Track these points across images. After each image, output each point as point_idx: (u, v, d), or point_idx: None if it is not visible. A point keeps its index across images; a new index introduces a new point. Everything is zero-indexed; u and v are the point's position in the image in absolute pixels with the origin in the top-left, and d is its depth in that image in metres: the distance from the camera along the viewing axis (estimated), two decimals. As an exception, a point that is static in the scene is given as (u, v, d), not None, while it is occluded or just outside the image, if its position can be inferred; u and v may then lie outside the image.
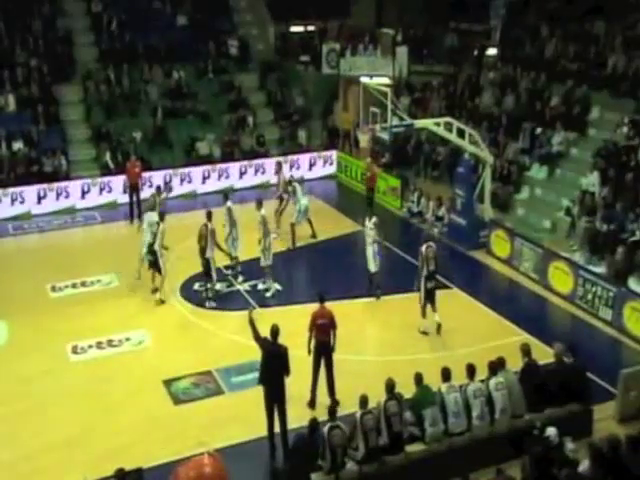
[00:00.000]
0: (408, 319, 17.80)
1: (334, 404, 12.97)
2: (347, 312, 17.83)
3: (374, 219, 19.06)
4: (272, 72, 32.87)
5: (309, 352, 14.51)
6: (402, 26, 33.34)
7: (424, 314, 17.26)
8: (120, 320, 18.13)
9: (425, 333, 17.22)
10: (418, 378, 12.78)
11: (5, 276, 20.69)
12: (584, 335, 17.52)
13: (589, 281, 18.52)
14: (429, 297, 17.23)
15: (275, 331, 13.19)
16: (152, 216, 19.93)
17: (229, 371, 15.85)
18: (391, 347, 16.46)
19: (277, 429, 13.24)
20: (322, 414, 12.11)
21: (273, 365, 13.14)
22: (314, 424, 11.73)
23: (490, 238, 22.06)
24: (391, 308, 18.09)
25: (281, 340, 13.23)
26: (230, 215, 20.04)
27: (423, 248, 17.35)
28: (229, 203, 20.29)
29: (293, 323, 15.56)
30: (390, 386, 12.45)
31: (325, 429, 11.68)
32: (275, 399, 13.18)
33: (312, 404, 14.38)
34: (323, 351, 14.51)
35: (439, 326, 17.19)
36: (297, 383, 13.53)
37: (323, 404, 12.38)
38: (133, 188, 24.97)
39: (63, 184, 26.10)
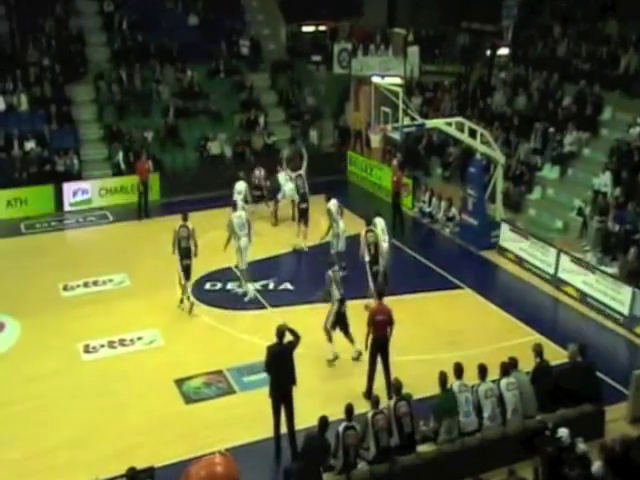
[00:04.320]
0: (419, 319, 17.83)
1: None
2: (356, 312, 17.85)
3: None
4: (284, 72, 32.87)
5: (366, 347, 14.73)
6: (414, 26, 33.30)
7: (330, 338, 16.03)
8: (132, 319, 18.18)
9: (331, 360, 16.09)
10: (443, 379, 12.59)
11: (17, 275, 20.77)
12: (596, 336, 17.47)
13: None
14: (340, 322, 16.01)
15: (281, 332, 13.21)
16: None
17: (240, 371, 15.86)
18: (401, 347, 16.33)
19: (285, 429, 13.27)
20: (332, 413, 12.09)
21: (280, 365, 13.15)
22: (324, 422, 11.70)
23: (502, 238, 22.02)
24: (402, 308, 18.03)
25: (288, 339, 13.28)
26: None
27: (330, 273, 16.19)
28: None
29: (306, 322, 15.60)
30: (397, 387, 12.44)
31: (340, 428, 11.67)
32: (282, 398, 13.19)
33: (368, 395, 13.91)
34: (380, 347, 14.66)
35: (359, 354, 15.83)
36: (305, 382, 13.54)
37: (336, 403, 12.36)
38: (143, 186, 25.12)
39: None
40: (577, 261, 19.34)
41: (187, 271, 18.58)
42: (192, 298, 18.76)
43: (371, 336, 14.71)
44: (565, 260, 19.49)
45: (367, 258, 17.90)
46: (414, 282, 19.88)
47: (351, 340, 16.01)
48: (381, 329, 14.68)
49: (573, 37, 27.48)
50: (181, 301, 18.72)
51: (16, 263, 21.67)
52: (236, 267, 19.60)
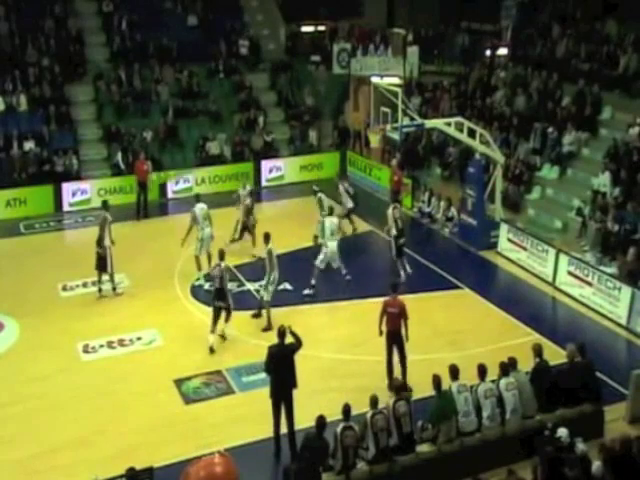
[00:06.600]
0: (419, 319, 17.76)
1: (407, 391, 13.18)
2: (359, 311, 17.92)
3: None
4: (283, 72, 32.86)
5: (380, 334, 15.11)
6: (413, 26, 33.34)
7: (214, 330, 16.87)
8: (131, 319, 18.19)
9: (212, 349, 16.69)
10: (437, 382, 12.57)
11: (16, 275, 20.77)
12: (596, 336, 17.46)
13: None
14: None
15: (282, 332, 13.22)
16: None
17: (239, 371, 15.87)
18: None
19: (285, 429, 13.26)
20: (331, 413, 12.09)
21: (280, 366, 13.16)
22: (322, 422, 11.70)
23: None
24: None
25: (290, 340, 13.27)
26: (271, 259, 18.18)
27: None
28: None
29: (306, 322, 15.61)
30: (397, 387, 12.43)
31: (339, 429, 11.67)
32: (282, 399, 13.19)
33: (390, 387, 13.92)
34: (394, 339, 14.97)
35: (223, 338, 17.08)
36: (305, 382, 13.54)
37: (337, 403, 12.35)
38: (141, 186, 25.17)
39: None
40: (576, 262, 19.35)
41: (97, 260, 19.35)
42: (104, 288, 19.43)
43: (385, 328, 14.99)
44: (564, 262, 19.50)
45: (394, 232, 19.56)
46: (414, 282, 19.83)
47: None
48: (393, 322, 14.92)
49: (572, 37, 27.48)
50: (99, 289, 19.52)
51: (15, 263, 21.65)
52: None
